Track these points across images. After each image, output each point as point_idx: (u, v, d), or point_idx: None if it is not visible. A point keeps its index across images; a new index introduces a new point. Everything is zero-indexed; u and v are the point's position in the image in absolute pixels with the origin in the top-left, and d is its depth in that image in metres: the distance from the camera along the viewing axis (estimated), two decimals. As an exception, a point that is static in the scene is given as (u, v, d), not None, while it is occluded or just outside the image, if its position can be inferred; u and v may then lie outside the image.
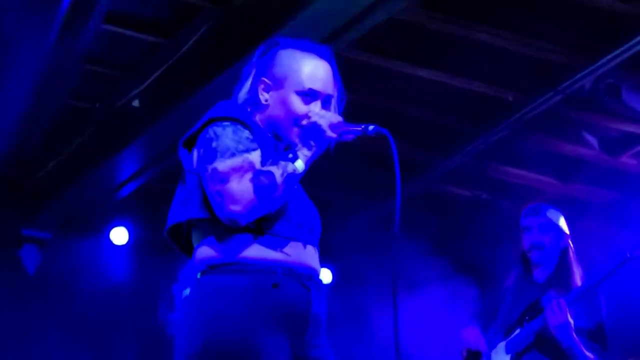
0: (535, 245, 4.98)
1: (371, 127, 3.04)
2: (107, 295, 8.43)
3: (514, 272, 5.12)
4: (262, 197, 2.88)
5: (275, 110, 3.11)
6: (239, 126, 2.99)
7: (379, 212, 8.15)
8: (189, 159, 3.07)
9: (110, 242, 8.55)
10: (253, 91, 3.13)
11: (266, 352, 2.87)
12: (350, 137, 3.08)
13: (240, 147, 2.94)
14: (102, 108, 7.04)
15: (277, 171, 2.91)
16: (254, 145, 2.98)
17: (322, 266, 3.18)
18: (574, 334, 4.67)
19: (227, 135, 2.96)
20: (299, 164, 2.97)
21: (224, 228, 2.94)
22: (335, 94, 3.19)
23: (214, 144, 2.95)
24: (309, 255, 3.06)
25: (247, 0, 5.71)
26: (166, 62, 6.31)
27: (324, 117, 3.04)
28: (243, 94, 3.15)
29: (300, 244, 3.03)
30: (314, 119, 3.05)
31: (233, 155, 2.92)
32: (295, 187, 3.06)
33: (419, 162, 7.79)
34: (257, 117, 3.12)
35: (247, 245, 2.96)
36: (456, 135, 7.37)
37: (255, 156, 2.96)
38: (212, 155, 2.94)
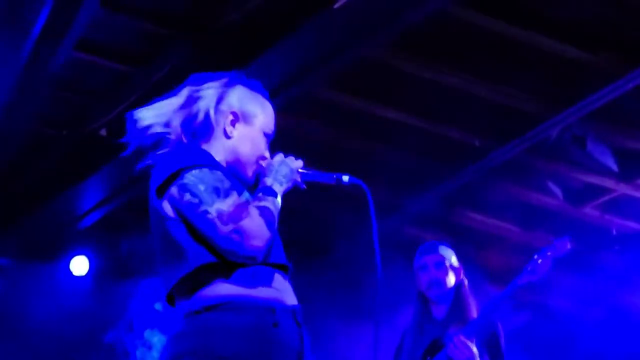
0: (434, 283, 5.04)
1: (346, 178, 3.08)
2: (64, 325, 8.33)
3: (412, 311, 5.15)
4: (272, 231, 2.87)
5: (241, 145, 3.09)
6: (211, 168, 2.93)
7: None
8: (164, 207, 2.95)
9: (70, 271, 8.46)
10: (214, 121, 3.09)
11: None
12: (322, 183, 3.12)
13: (226, 185, 2.89)
14: (70, 135, 6.99)
15: (270, 206, 2.90)
16: (233, 189, 2.92)
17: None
18: None
19: (207, 177, 2.89)
20: (280, 200, 2.96)
21: (224, 268, 2.87)
22: None
23: (201, 187, 2.87)
24: (289, 290, 3.00)
25: (218, 32, 5.72)
26: (136, 92, 6.29)
27: (287, 162, 3.05)
28: (198, 120, 3.08)
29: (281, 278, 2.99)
30: (275, 161, 3.06)
31: (227, 194, 2.86)
32: None
33: (382, 203, 7.78)
34: (213, 148, 3.07)
35: (242, 283, 2.88)
36: (421, 178, 7.38)
37: (241, 199, 2.91)
38: (205, 198, 2.86)
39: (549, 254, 4.93)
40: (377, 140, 7.01)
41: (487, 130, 6.75)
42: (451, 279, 5.06)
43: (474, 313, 4.96)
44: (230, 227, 2.81)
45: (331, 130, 6.70)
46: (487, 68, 6.15)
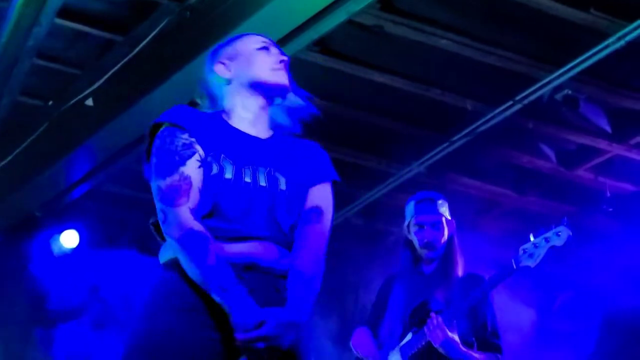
0: (429, 245, 4.99)
1: None
2: (55, 300, 8.31)
3: (401, 258, 5.11)
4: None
5: (242, 76, 3.20)
6: (175, 131, 2.98)
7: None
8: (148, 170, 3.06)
9: (61, 245, 8.40)
10: (212, 84, 3.22)
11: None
12: None
13: (177, 158, 2.92)
14: (55, 106, 6.91)
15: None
16: (192, 149, 2.95)
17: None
18: (460, 346, 4.69)
19: (163, 147, 2.96)
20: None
21: None
22: None
23: (154, 159, 2.97)
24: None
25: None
26: (121, 60, 6.21)
27: None
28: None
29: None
30: None
31: (171, 172, 2.90)
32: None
33: (373, 170, 7.75)
34: (230, 104, 3.16)
35: None
36: (412, 143, 7.32)
37: (191, 167, 2.92)
38: (154, 171, 2.95)
39: (546, 241, 4.75)
40: (367, 105, 6.95)
41: (478, 92, 6.69)
42: (445, 236, 5.01)
43: (460, 271, 4.92)
44: (160, 206, 2.89)
45: (318, 95, 6.62)
46: (477, 29, 6.09)
